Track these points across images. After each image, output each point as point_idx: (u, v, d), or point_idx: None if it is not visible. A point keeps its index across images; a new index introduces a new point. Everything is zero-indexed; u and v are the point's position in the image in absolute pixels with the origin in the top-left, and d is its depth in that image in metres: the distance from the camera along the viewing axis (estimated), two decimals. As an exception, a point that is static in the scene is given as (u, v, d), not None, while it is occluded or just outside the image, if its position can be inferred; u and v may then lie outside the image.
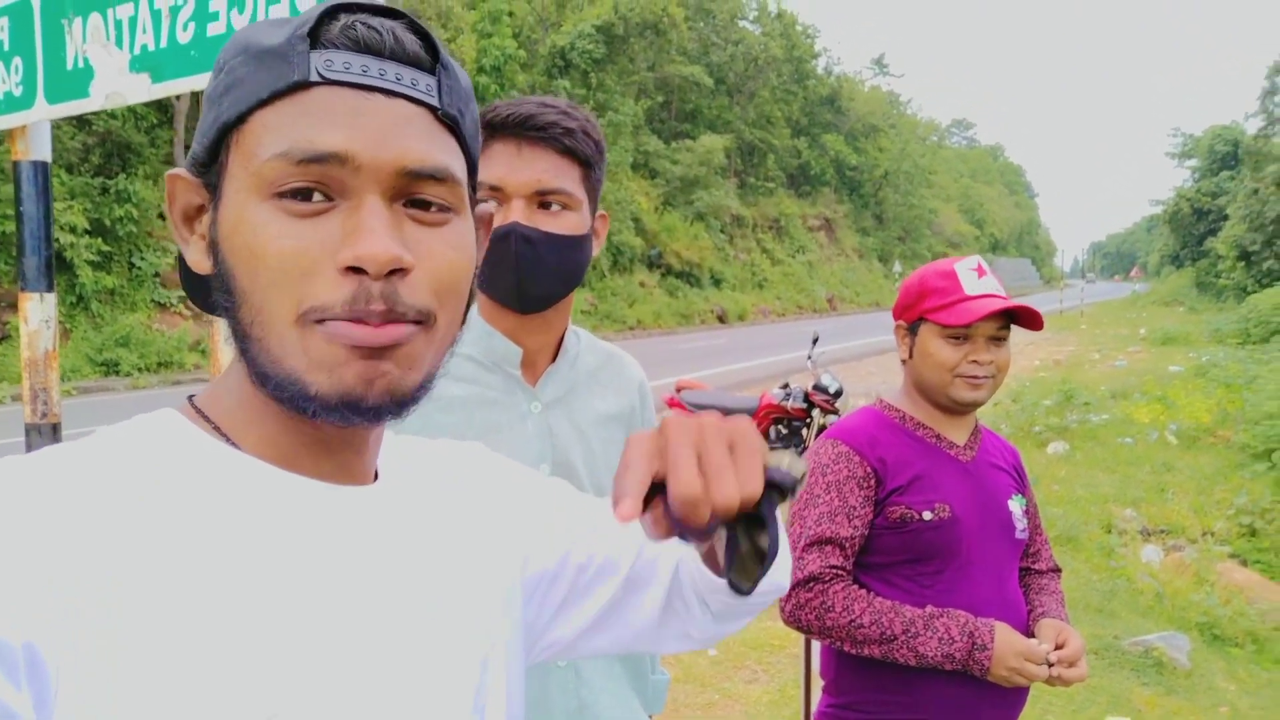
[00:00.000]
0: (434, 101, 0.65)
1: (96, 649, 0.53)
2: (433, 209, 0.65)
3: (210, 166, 0.65)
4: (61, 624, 0.52)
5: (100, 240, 15.60)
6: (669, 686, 1.58)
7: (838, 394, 8.28)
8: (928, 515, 1.66)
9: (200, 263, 0.67)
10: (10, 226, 14.08)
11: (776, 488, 0.62)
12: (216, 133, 0.64)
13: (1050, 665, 1.59)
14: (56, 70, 2.05)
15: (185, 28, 1.75)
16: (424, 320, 0.64)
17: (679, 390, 8.24)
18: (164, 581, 0.57)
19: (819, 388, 8.28)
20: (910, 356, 1.77)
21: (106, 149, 16.89)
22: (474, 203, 0.74)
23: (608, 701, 1.36)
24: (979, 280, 1.71)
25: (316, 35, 0.62)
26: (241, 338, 0.64)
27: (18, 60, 2.30)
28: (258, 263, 0.61)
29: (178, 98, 14.58)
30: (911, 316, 1.76)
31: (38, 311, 2.11)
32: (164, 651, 0.55)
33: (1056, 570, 1.90)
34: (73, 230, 14.87)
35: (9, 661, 0.50)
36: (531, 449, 1.34)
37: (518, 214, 1.26)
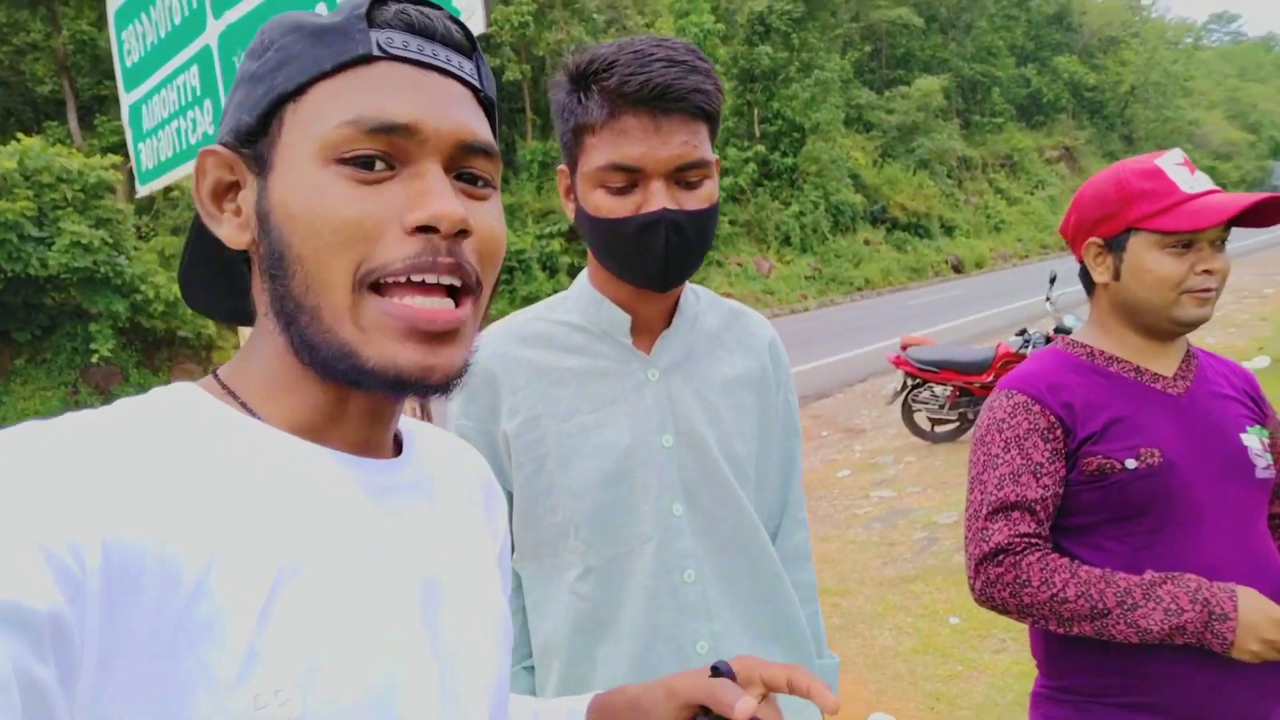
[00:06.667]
0: (477, 84, 0.71)
1: (113, 619, 0.52)
2: (480, 183, 0.69)
3: (258, 140, 0.67)
4: (83, 593, 0.51)
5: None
6: (838, 671, 1.43)
7: (1084, 335, 7.54)
8: (1132, 463, 1.39)
9: (234, 237, 0.68)
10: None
11: None
12: (270, 104, 0.66)
13: None
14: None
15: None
16: (478, 289, 0.67)
17: (904, 348, 7.78)
18: (185, 552, 0.55)
19: (1061, 330, 7.57)
20: (1116, 278, 1.50)
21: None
22: None
23: None
24: (1192, 176, 1.43)
25: (371, 17, 0.67)
26: (293, 308, 0.64)
27: (208, 103, 2.49)
28: (320, 225, 0.62)
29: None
30: (1114, 228, 1.48)
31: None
32: (178, 625, 0.54)
33: None
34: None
35: (33, 630, 0.48)
36: (651, 419, 1.25)
37: (662, 198, 1.15)
